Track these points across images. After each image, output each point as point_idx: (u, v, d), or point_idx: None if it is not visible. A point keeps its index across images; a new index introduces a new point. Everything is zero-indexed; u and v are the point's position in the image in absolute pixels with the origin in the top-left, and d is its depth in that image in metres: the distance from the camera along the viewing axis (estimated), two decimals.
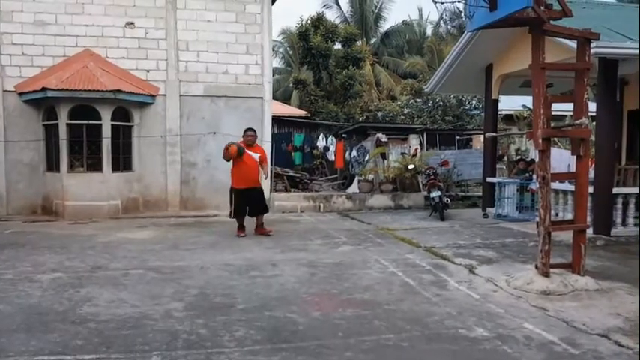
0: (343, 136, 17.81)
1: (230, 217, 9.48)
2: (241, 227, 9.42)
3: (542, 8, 5.61)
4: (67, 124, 11.74)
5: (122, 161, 12.35)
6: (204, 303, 5.32)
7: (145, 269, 6.78)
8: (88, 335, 4.34)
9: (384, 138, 14.92)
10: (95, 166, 11.99)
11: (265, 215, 9.83)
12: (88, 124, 11.83)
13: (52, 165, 12.06)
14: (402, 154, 15.03)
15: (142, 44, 12.73)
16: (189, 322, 4.72)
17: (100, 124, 11.85)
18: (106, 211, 11.76)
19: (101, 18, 12.45)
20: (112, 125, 12.00)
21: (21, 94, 11.94)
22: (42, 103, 11.91)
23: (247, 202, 9.26)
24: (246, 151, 9.18)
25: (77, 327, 4.54)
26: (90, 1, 12.39)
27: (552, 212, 6.56)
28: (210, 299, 5.46)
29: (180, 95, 12.94)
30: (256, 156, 9.33)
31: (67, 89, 11.26)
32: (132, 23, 12.65)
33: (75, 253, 7.77)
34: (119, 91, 11.59)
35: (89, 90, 11.36)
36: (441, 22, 34.11)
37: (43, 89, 11.33)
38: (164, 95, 12.84)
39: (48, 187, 12.06)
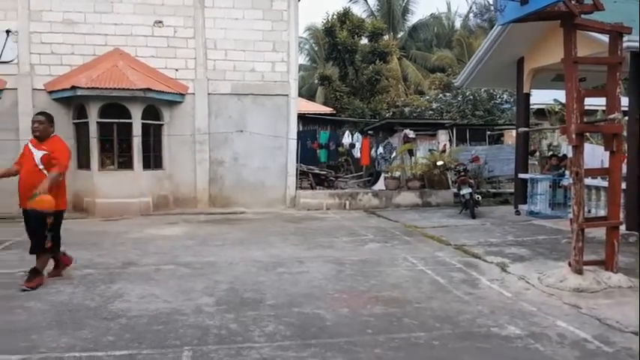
0: (369, 132, 17.73)
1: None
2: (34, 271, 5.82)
3: (573, 2, 5.50)
4: (98, 123, 11.94)
5: (153, 159, 12.53)
6: (233, 298, 5.35)
7: (175, 265, 6.86)
8: (119, 331, 4.40)
9: (411, 134, 14.78)
10: (126, 163, 12.17)
11: (290, 213, 9.58)
12: (119, 122, 12.02)
13: (83, 163, 12.28)
14: (431, 150, 14.87)
15: (170, 43, 12.87)
16: (220, 317, 4.75)
17: (131, 123, 12.03)
18: (136, 208, 11.93)
19: (130, 17, 12.62)
20: (143, 123, 12.18)
21: (51, 92, 12.18)
22: (72, 101, 12.13)
23: (27, 230, 5.87)
24: (29, 146, 5.84)
25: (108, 323, 4.60)
26: None
27: (585, 209, 6.40)
28: (239, 295, 5.48)
29: (209, 94, 13.06)
30: (39, 154, 5.66)
31: (96, 88, 11.46)
32: (160, 22, 12.79)
33: (106, 250, 7.91)
34: (149, 89, 11.75)
35: (119, 89, 11.53)
36: (470, 15, 33.62)
37: (73, 88, 11.53)
38: (193, 94, 12.97)
39: (79, 185, 12.28)
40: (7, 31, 9.18)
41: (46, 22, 12.30)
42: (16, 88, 12.10)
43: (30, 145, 5.80)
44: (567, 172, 9.84)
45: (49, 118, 5.93)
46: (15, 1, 12.05)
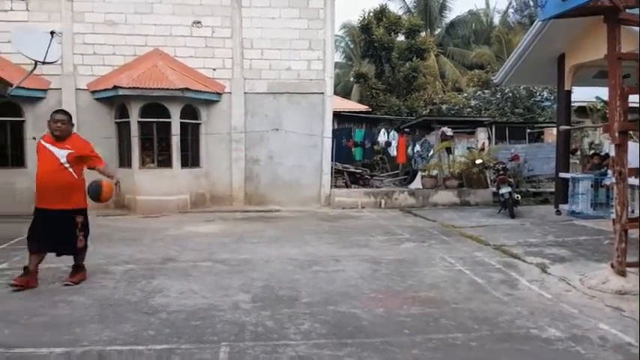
0: (405, 130, 17.57)
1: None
2: (27, 270, 5.62)
3: None
4: (138, 122, 12.21)
5: (190, 157, 12.75)
6: (269, 295, 5.39)
7: (213, 261, 6.96)
8: (159, 326, 4.49)
9: (449, 132, 14.58)
10: (165, 162, 12.43)
11: (325, 211, 9.55)
12: (158, 121, 12.27)
13: (124, 161, 12.59)
14: (469, 148, 14.64)
15: (208, 43, 13.06)
16: (256, 314, 4.79)
17: (170, 122, 12.26)
18: (175, 205, 12.16)
19: (169, 17, 12.86)
20: (181, 123, 12.40)
21: (93, 92, 12.52)
22: (113, 101, 12.44)
23: (47, 230, 5.64)
24: (46, 145, 5.65)
25: (149, 317, 4.70)
26: (158, 0, 12.83)
27: (629, 209, 6.20)
28: (275, 292, 5.52)
29: (245, 93, 13.19)
30: (63, 153, 5.60)
31: (137, 87, 11.72)
32: (199, 22, 12.99)
33: (146, 246, 8.08)
34: (187, 89, 11.95)
35: (159, 88, 11.76)
36: (510, 11, 32.92)
37: (115, 87, 11.82)
38: (229, 93, 13.13)
39: (120, 182, 12.57)
40: (52, 33, 9.43)
41: (88, 24, 12.64)
42: (60, 88, 12.49)
43: (46, 144, 5.58)
44: (610, 172, 9.56)
45: (70, 117, 5.86)
46: (59, 3, 12.45)
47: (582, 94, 17.74)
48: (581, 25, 9.86)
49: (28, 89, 11.57)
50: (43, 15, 12.39)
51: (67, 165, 5.60)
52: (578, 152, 15.93)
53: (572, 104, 13.63)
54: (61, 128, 5.63)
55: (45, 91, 12.40)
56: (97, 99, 12.54)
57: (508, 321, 4.63)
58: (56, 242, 5.70)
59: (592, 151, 15.00)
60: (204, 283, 5.85)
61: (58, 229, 5.64)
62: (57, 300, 5.19)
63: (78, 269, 5.86)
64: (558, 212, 11.27)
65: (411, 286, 5.80)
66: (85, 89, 12.59)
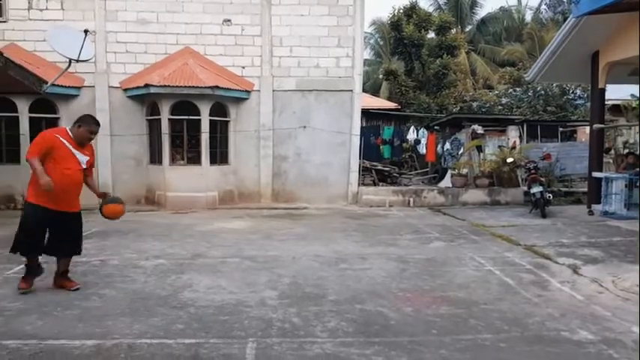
0: (435, 128, 17.40)
1: (12, 250, 5.33)
2: (31, 271, 5.42)
3: None
4: (169, 119, 12.39)
5: (219, 155, 12.88)
6: (296, 292, 5.41)
7: (240, 258, 7.02)
8: (188, 320, 4.55)
9: (480, 130, 14.39)
10: (194, 159, 12.60)
11: (352, 209, 9.45)
12: (188, 119, 12.43)
13: (155, 158, 12.81)
14: (500, 146, 14.42)
15: (238, 41, 13.16)
16: (283, 310, 4.81)
17: (199, 119, 12.41)
18: (204, 201, 12.31)
19: (200, 16, 13.01)
20: (210, 120, 12.54)
21: (125, 90, 12.75)
22: (145, 98, 12.65)
23: (53, 232, 5.41)
24: (70, 147, 5.32)
25: (178, 312, 4.77)
26: None
27: None
28: (302, 289, 5.54)
29: (273, 90, 13.26)
30: (84, 159, 5.42)
31: (168, 85, 11.89)
32: (229, 20, 13.10)
33: (176, 241, 8.20)
34: (217, 87, 12.07)
35: (189, 86, 11.91)
36: (543, 7, 32.30)
37: (146, 86, 12.02)
38: (258, 91, 13.22)
39: (151, 179, 12.81)
40: (86, 31, 9.64)
41: (121, 22, 12.88)
42: (94, 86, 12.78)
43: (70, 146, 5.28)
44: None
45: None
46: (92, 2, 12.73)
47: (617, 92, 17.33)
48: (617, 21, 9.59)
49: (62, 87, 11.87)
50: (78, 14, 12.68)
51: (84, 170, 5.45)
52: (612, 151, 15.54)
53: (607, 102, 13.31)
54: (93, 139, 5.50)
55: (79, 88, 12.69)
56: (129, 97, 12.76)
57: (538, 322, 4.54)
58: (59, 244, 5.39)
59: (627, 151, 14.61)
60: (232, 279, 5.91)
61: (64, 231, 5.37)
62: (89, 293, 5.31)
63: (67, 272, 5.59)
64: (591, 212, 11.01)
65: (439, 285, 5.75)
66: (117, 87, 12.82)
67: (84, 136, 5.35)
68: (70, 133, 5.34)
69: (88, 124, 5.37)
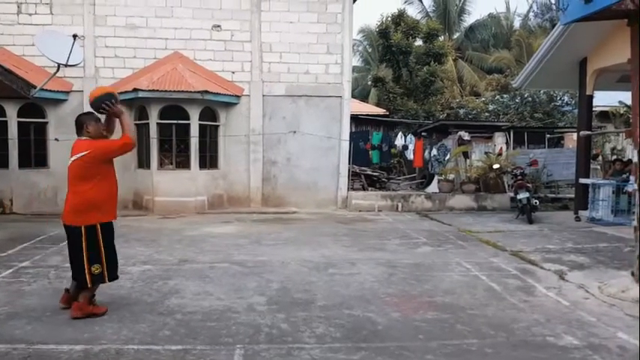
0: (423, 134, 17.51)
1: (104, 279, 4.88)
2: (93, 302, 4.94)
3: None
4: (157, 124, 12.35)
5: (208, 159, 12.87)
6: (285, 298, 5.41)
7: (229, 263, 7.01)
8: (175, 326, 4.54)
9: (466, 136, 14.51)
10: (183, 163, 12.56)
11: (342, 214, 9.47)
12: (177, 123, 12.40)
13: (143, 162, 12.74)
14: (486, 152, 14.54)
15: (227, 46, 13.19)
16: (271, 316, 4.82)
17: (189, 124, 12.39)
18: (192, 206, 12.27)
19: (189, 21, 13.02)
20: (200, 124, 12.52)
21: None
22: (133, 103, 12.59)
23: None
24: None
25: (165, 318, 4.76)
26: (179, 4, 13.00)
27: None
28: (290, 294, 5.54)
29: (263, 95, 13.29)
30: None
31: (157, 90, 11.86)
32: (218, 26, 13.12)
33: (164, 247, 8.16)
34: (206, 92, 12.06)
35: (178, 91, 11.89)
36: (531, 14, 32.60)
37: (135, 90, 11.98)
38: (248, 96, 13.24)
39: (139, 184, 12.74)
40: (74, 36, 9.59)
41: (110, 27, 12.85)
42: (82, 91, 12.68)
43: None
44: (632, 178, 9.41)
45: None
46: (82, 6, 12.70)
47: (604, 99, 17.54)
48: (604, 28, 9.70)
49: (51, 91, 11.82)
50: (67, 19, 12.65)
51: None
52: (600, 158, 15.71)
53: (594, 109, 13.47)
54: None
55: (67, 93, 12.65)
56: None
57: (524, 328, 4.59)
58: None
59: (614, 157, 14.78)
60: (220, 285, 5.90)
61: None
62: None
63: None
64: (578, 218, 11.13)
65: (426, 290, 5.79)
66: None
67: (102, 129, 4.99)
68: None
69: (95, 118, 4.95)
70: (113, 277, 4.95)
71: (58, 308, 4.92)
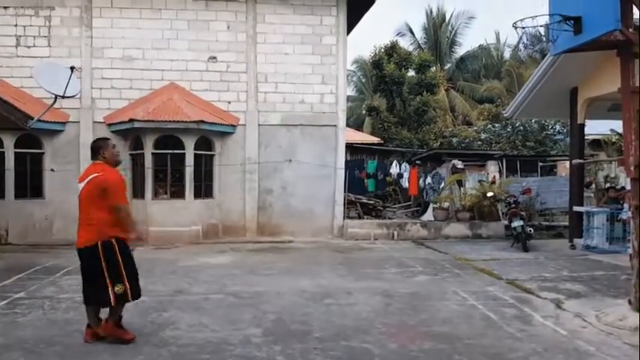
0: (417, 162, 17.63)
1: (127, 298, 4.94)
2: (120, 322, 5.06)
3: (631, 30, 5.34)
4: (153, 154, 12.38)
5: (203, 188, 12.84)
6: (281, 329, 5.37)
7: (224, 294, 6.96)
8: (169, 359, 4.49)
9: (460, 164, 14.61)
10: (178, 193, 12.54)
11: (338, 242, 9.46)
12: (172, 153, 12.44)
13: (138, 192, 12.68)
14: (480, 181, 14.62)
15: (223, 77, 13.33)
16: (267, 348, 4.77)
17: (184, 153, 12.42)
18: (187, 236, 12.20)
19: (185, 53, 13.18)
20: (195, 154, 12.55)
21: (109, 125, 12.74)
22: (129, 133, 12.65)
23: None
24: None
25: (159, 350, 4.71)
26: (175, 36, 13.17)
27: None
28: (287, 326, 5.50)
29: (259, 125, 13.38)
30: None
31: (152, 120, 11.91)
32: (214, 57, 13.28)
33: (158, 277, 8.07)
34: (202, 121, 12.13)
35: (174, 121, 11.96)
36: (521, 46, 33.13)
37: (131, 120, 12.03)
38: (244, 125, 13.32)
39: (133, 213, 12.63)
40: (72, 68, 9.75)
41: (107, 59, 12.99)
42: (79, 121, 12.78)
43: None
44: (626, 205, 9.47)
45: None
46: (79, 39, 12.86)
47: (596, 127, 17.74)
48: (594, 58, 9.81)
49: (47, 122, 11.85)
50: (64, 51, 12.79)
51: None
52: (593, 186, 15.81)
53: (586, 137, 13.59)
54: None
55: (64, 124, 12.70)
56: (113, 131, 12.71)
57: (522, 358, 4.56)
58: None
59: (608, 185, 14.87)
60: (215, 316, 5.85)
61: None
62: (71, 330, 5.23)
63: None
64: (572, 246, 11.15)
65: (423, 320, 5.76)
66: (101, 122, 12.82)
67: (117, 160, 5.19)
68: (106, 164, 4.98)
69: (114, 146, 5.16)
70: (137, 295, 4.98)
71: (52, 340, 4.86)
